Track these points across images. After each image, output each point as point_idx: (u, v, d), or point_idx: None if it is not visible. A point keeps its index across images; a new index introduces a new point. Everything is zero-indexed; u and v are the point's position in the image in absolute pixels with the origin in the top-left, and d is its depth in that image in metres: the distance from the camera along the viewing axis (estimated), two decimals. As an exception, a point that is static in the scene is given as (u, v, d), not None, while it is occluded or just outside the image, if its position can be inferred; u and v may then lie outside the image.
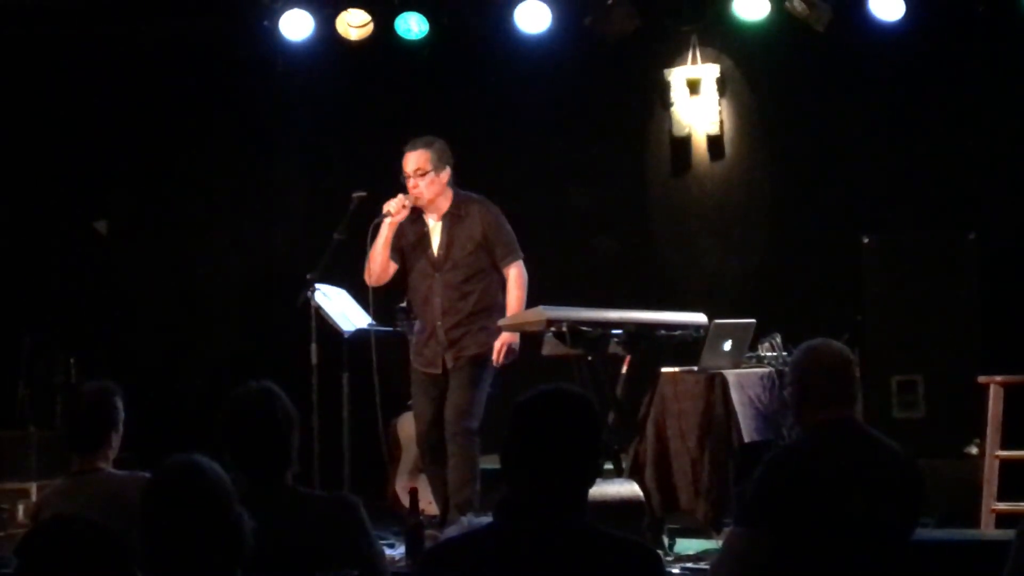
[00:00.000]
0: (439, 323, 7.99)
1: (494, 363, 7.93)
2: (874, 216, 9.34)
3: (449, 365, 7.99)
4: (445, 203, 8.04)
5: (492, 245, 8.01)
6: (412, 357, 8.15)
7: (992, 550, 4.37)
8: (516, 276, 8.01)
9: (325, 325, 8.32)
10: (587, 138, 10.08)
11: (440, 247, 8.03)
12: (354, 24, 9.84)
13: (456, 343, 7.98)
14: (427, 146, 7.99)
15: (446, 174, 8.01)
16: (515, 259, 8.03)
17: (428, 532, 7.30)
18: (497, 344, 7.91)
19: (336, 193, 8.58)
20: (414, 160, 7.97)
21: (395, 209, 7.94)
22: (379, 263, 8.02)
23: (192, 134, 10.58)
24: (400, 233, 8.05)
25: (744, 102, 9.93)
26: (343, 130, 10.27)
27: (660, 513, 7.85)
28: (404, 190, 7.98)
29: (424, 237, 8.07)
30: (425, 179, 7.95)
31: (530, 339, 7.99)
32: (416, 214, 8.05)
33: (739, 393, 7.85)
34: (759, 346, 8.33)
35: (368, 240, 8.00)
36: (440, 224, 8.05)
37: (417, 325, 8.15)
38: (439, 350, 8.01)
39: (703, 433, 7.77)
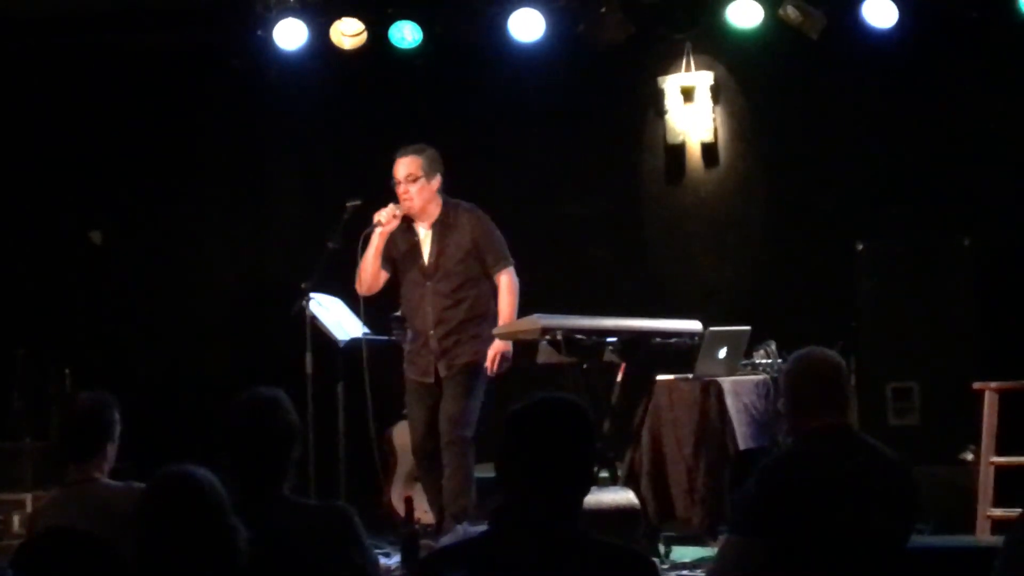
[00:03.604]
0: (431, 332, 7.99)
1: (488, 372, 7.93)
2: (868, 222, 9.34)
3: (442, 374, 7.98)
4: (435, 211, 8.04)
5: (482, 253, 8.01)
6: (405, 367, 8.15)
7: (988, 557, 4.35)
8: (507, 283, 8.01)
9: (320, 334, 8.31)
10: (581, 146, 10.08)
11: (431, 256, 8.03)
12: (348, 33, 9.83)
13: (448, 352, 7.98)
14: (418, 153, 8.00)
15: (437, 181, 8.01)
16: (506, 266, 8.02)
17: (424, 541, 7.29)
18: (490, 353, 7.91)
19: (330, 202, 8.57)
20: (405, 166, 7.98)
21: (386, 219, 7.94)
22: (370, 273, 8.02)
23: (186, 143, 10.58)
24: (391, 242, 8.05)
25: (738, 109, 9.93)
26: (337, 139, 10.27)
27: (656, 521, 7.86)
28: (395, 198, 7.99)
29: (415, 246, 8.07)
30: (416, 185, 7.95)
31: (525, 347, 7.99)
32: (407, 223, 8.05)
33: (734, 400, 7.86)
34: (754, 353, 8.35)
35: (359, 250, 7.99)
36: (430, 232, 8.05)
37: (410, 334, 8.15)
38: (431, 359, 8.01)
39: (698, 440, 7.79)
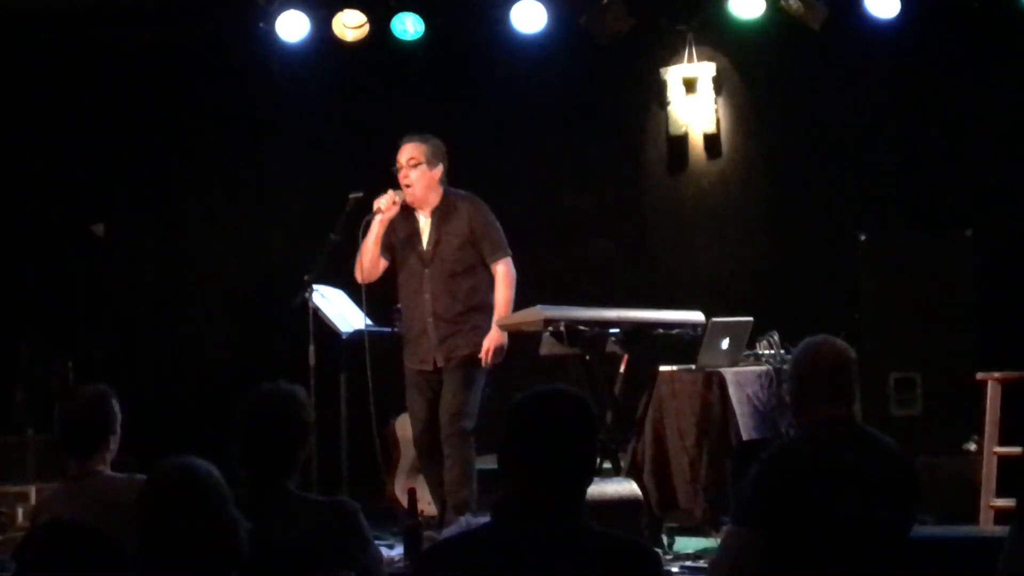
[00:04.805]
0: (429, 320, 7.99)
1: (482, 363, 7.93)
2: (871, 213, 9.35)
3: (440, 364, 7.98)
4: (435, 200, 8.05)
5: (480, 241, 8.01)
6: (405, 356, 8.14)
7: (991, 547, 4.36)
8: (504, 274, 8.00)
9: (322, 326, 8.32)
10: (583, 137, 10.08)
11: (429, 243, 8.03)
12: (350, 25, 9.84)
13: (447, 340, 7.97)
14: (423, 140, 8.04)
15: (438, 171, 8.02)
16: (503, 256, 8.02)
17: (426, 533, 7.29)
18: (486, 343, 7.90)
19: (332, 194, 8.58)
20: (408, 151, 8.01)
21: (385, 206, 7.95)
22: (369, 259, 8.03)
23: (188, 136, 10.58)
24: (391, 229, 8.05)
25: (740, 100, 9.93)
26: (339, 131, 10.27)
27: (658, 512, 7.85)
28: (397, 185, 8.00)
29: (414, 233, 8.07)
30: (417, 170, 7.97)
31: (528, 339, 7.98)
32: (407, 211, 8.06)
33: (737, 391, 7.85)
34: (757, 344, 8.34)
35: (360, 237, 8.00)
36: (430, 220, 8.06)
37: (407, 323, 8.15)
38: (430, 347, 8.00)
39: (701, 431, 7.78)
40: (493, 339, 7.89)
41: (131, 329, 10.66)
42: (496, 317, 7.92)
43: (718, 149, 9.95)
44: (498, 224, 8.07)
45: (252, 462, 4.47)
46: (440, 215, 8.04)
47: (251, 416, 4.52)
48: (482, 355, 7.90)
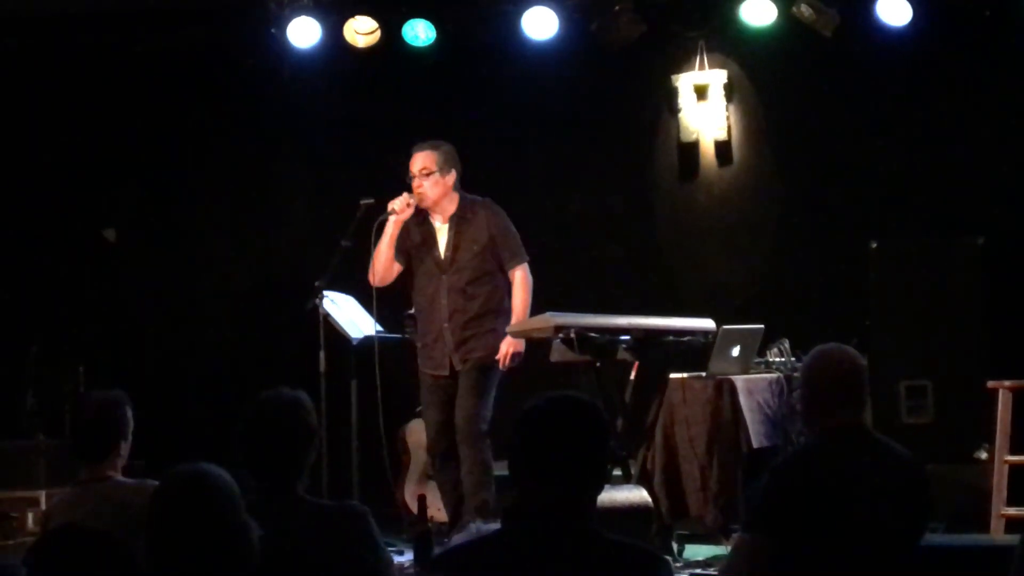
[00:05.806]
0: (445, 325, 8.00)
1: (500, 368, 7.94)
2: (882, 221, 9.34)
3: (457, 367, 7.99)
4: (451, 206, 8.06)
5: (498, 248, 8.03)
6: (420, 361, 8.15)
7: (1002, 555, 4.35)
8: (521, 279, 8.02)
9: (333, 332, 8.32)
10: (594, 144, 10.08)
11: (446, 249, 8.05)
12: (361, 31, 9.84)
13: (463, 344, 7.99)
14: (434, 148, 8.04)
15: (452, 177, 8.03)
16: (520, 262, 8.04)
17: (437, 538, 7.29)
18: (503, 349, 7.91)
19: (343, 200, 8.58)
20: (420, 160, 8.02)
21: (399, 207, 7.96)
22: (383, 262, 8.04)
23: (200, 141, 10.60)
24: (406, 234, 8.06)
25: (751, 107, 9.92)
26: (350, 137, 10.27)
27: (669, 519, 7.86)
28: (410, 190, 8.01)
29: (431, 239, 8.08)
30: (430, 179, 7.98)
31: (538, 345, 7.99)
32: (423, 216, 8.07)
33: (748, 399, 7.85)
34: (767, 351, 8.33)
35: (372, 239, 8.00)
36: (447, 226, 8.07)
37: (421, 329, 8.15)
38: (446, 351, 8.02)
39: (711, 439, 7.79)
40: (511, 343, 7.91)
41: (141, 334, 10.67)
42: (513, 322, 7.93)
43: (729, 156, 9.95)
44: (515, 229, 8.08)
45: (260, 469, 4.47)
46: (458, 221, 8.05)
47: (255, 423, 4.51)
48: (499, 358, 7.91)
